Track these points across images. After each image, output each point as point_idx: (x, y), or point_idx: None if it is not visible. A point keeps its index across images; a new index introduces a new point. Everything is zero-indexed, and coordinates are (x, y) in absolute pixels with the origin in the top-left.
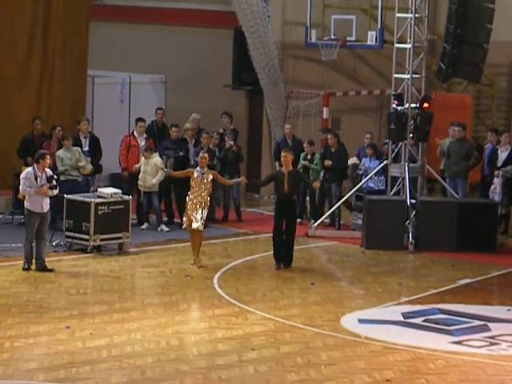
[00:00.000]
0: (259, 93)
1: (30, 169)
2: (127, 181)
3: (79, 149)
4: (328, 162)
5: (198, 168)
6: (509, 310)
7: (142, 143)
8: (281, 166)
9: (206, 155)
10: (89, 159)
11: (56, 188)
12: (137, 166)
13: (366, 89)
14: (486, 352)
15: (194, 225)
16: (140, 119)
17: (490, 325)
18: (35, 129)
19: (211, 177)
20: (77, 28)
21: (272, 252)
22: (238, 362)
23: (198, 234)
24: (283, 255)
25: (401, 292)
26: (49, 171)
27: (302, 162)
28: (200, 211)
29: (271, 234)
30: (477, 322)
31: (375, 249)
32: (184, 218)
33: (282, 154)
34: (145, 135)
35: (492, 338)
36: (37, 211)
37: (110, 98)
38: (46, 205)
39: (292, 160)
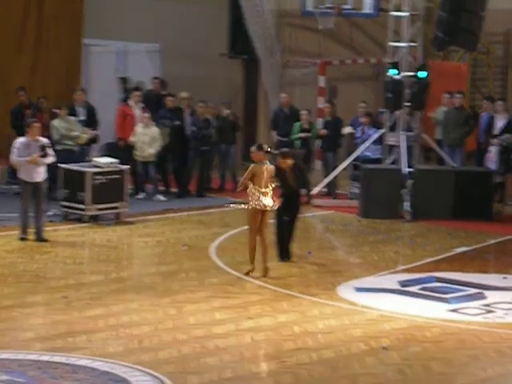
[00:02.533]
0: (255, 61)
1: (22, 138)
2: (124, 150)
3: (74, 118)
4: (323, 131)
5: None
6: (505, 277)
7: (138, 112)
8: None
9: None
10: (86, 129)
11: (47, 156)
12: (132, 138)
13: (362, 57)
14: (481, 320)
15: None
16: (136, 88)
17: (486, 293)
18: (19, 100)
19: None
20: None
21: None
22: (235, 330)
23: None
24: (286, 248)
25: (397, 260)
26: (43, 140)
27: (301, 134)
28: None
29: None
30: (473, 290)
31: (372, 218)
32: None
33: (280, 159)
34: (141, 104)
35: (488, 305)
36: (29, 181)
37: (105, 67)
38: (38, 174)
39: (291, 164)
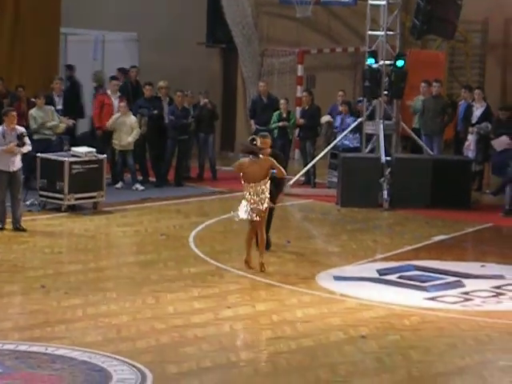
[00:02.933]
0: (233, 50)
1: None
2: (101, 139)
3: (52, 107)
4: (301, 121)
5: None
6: (483, 265)
7: (116, 102)
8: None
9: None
10: (63, 118)
11: (24, 145)
12: (110, 122)
13: (340, 46)
14: (460, 308)
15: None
16: (113, 77)
17: (464, 281)
18: None
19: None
20: None
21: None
22: (213, 319)
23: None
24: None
25: (376, 249)
26: (20, 129)
27: (279, 123)
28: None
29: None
30: (451, 278)
31: (350, 206)
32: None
33: (261, 139)
34: (118, 93)
35: (466, 293)
36: (5, 170)
37: (83, 56)
38: (14, 163)
39: (270, 143)
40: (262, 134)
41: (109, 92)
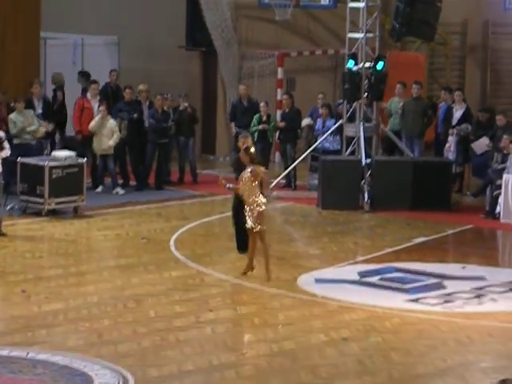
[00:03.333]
0: (213, 54)
1: None
2: (82, 144)
3: (32, 111)
4: (281, 124)
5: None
6: (464, 267)
7: (96, 105)
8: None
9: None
10: (43, 122)
11: (3, 150)
12: (92, 124)
13: (320, 49)
14: (440, 309)
15: (248, 225)
16: (93, 81)
17: (445, 282)
18: None
19: (248, 174)
20: None
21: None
22: (195, 323)
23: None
24: (245, 240)
25: (357, 251)
26: None
27: (258, 126)
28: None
29: (226, 196)
30: (432, 280)
31: (331, 209)
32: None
33: (242, 140)
34: (98, 97)
35: (447, 295)
36: None
37: (62, 61)
38: None
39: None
40: (243, 134)
41: (89, 96)
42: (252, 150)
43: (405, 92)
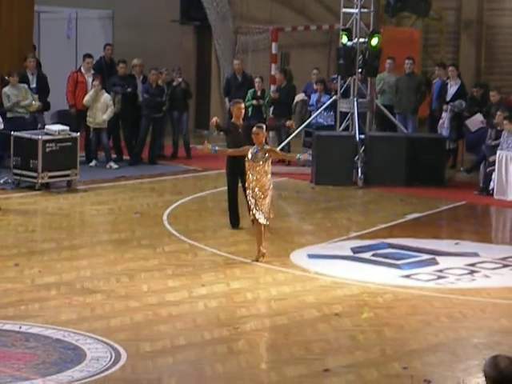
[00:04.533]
0: (207, 28)
1: None
2: (75, 118)
3: (26, 86)
4: (275, 94)
5: (254, 147)
6: (457, 243)
7: (90, 79)
8: (231, 117)
9: (261, 130)
10: (36, 96)
11: None
12: (87, 98)
13: (315, 24)
14: (433, 285)
15: (261, 220)
16: (87, 55)
17: (438, 258)
18: None
19: (267, 155)
20: None
21: (229, 214)
22: (188, 298)
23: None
24: (238, 215)
25: (350, 227)
26: None
27: (253, 101)
28: (261, 202)
29: (220, 171)
30: (425, 256)
31: (325, 184)
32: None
33: (236, 105)
34: (92, 71)
35: (440, 271)
36: None
37: (56, 34)
38: None
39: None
40: (236, 100)
41: (83, 70)
42: (257, 129)
43: (395, 67)
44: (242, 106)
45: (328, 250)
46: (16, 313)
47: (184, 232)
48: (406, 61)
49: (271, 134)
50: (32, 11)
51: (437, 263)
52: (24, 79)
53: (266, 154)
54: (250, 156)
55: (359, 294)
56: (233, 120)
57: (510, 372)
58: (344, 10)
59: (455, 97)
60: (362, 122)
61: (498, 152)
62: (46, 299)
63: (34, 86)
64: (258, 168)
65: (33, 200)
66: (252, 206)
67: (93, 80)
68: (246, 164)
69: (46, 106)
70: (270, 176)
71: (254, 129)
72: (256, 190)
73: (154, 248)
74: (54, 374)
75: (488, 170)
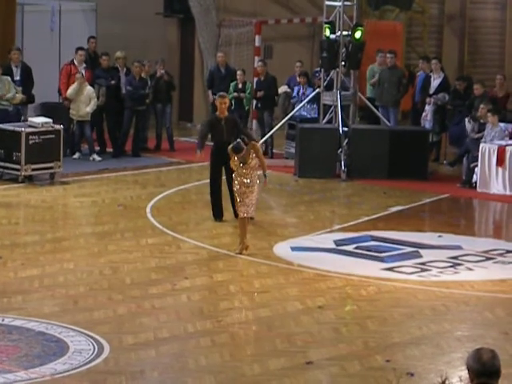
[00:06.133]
0: (191, 21)
1: None
2: (68, 110)
3: (9, 78)
4: (259, 93)
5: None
6: (440, 236)
7: (83, 72)
8: (215, 110)
9: (227, 100)
10: (20, 88)
11: None
12: (70, 91)
13: (298, 17)
14: (417, 278)
15: (247, 213)
16: (80, 48)
17: (422, 251)
18: None
19: (252, 154)
20: None
21: (211, 203)
22: (171, 290)
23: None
24: (221, 207)
25: (333, 220)
26: None
27: (234, 94)
28: (247, 195)
29: (203, 164)
30: (408, 249)
31: (308, 177)
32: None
33: (219, 99)
34: (84, 64)
35: (423, 264)
36: None
37: (40, 27)
38: None
39: (229, 104)
40: (220, 93)
41: (76, 62)
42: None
43: (385, 60)
44: (226, 100)
45: (311, 243)
46: None
47: (167, 224)
48: (388, 54)
49: (254, 126)
50: (14, 3)
51: (420, 256)
52: (7, 71)
53: (251, 154)
54: (236, 158)
55: (342, 287)
56: (217, 113)
57: (492, 365)
58: (327, 2)
59: (438, 90)
60: (345, 114)
61: (482, 145)
62: (28, 292)
63: (17, 78)
64: (244, 169)
65: (16, 192)
66: (238, 199)
67: (84, 73)
68: (233, 163)
69: (30, 99)
70: (256, 172)
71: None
72: (243, 184)
73: (137, 240)
74: (36, 366)
75: (472, 165)
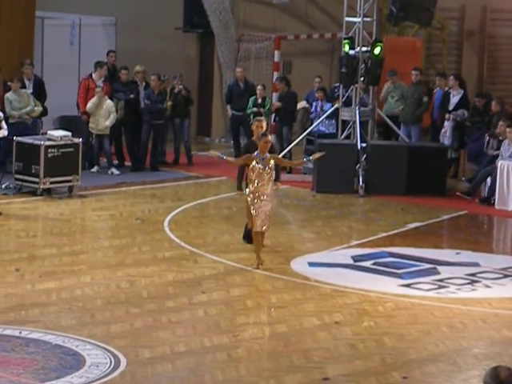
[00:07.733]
0: (210, 35)
1: None
2: (87, 124)
3: (28, 91)
4: (277, 104)
5: (256, 153)
6: (458, 253)
7: (101, 86)
8: (252, 135)
9: (270, 138)
10: (38, 102)
11: (0, 130)
12: (89, 105)
13: (317, 32)
14: (434, 295)
15: (262, 228)
16: (104, 63)
17: (439, 268)
18: None
19: (272, 163)
20: None
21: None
22: (187, 304)
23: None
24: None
25: (351, 235)
26: None
27: (253, 109)
28: (262, 209)
29: (221, 178)
30: (426, 265)
31: (326, 192)
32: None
33: (256, 123)
34: (102, 78)
35: (441, 281)
36: None
37: (59, 40)
38: None
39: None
40: (258, 118)
41: (94, 77)
42: (269, 137)
43: (398, 79)
44: (263, 124)
45: (328, 258)
46: (16, 318)
47: (185, 238)
48: (413, 71)
49: (272, 140)
50: (33, 17)
51: (438, 273)
52: (21, 85)
53: (271, 162)
54: (257, 164)
55: (359, 303)
56: (253, 138)
57: (510, 383)
58: (347, 18)
59: (458, 106)
60: (363, 130)
61: (500, 162)
62: (46, 304)
63: (30, 91)
64: (265, 175)
65: (34, 205)
66: (254, 213)
67: (103, 87)
68: (252, 173)
69: (43, 112)
70: (272, 184)
71: (269, 137)
72: (261, 197)
73: (154, 254)
74: (53, 379)
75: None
